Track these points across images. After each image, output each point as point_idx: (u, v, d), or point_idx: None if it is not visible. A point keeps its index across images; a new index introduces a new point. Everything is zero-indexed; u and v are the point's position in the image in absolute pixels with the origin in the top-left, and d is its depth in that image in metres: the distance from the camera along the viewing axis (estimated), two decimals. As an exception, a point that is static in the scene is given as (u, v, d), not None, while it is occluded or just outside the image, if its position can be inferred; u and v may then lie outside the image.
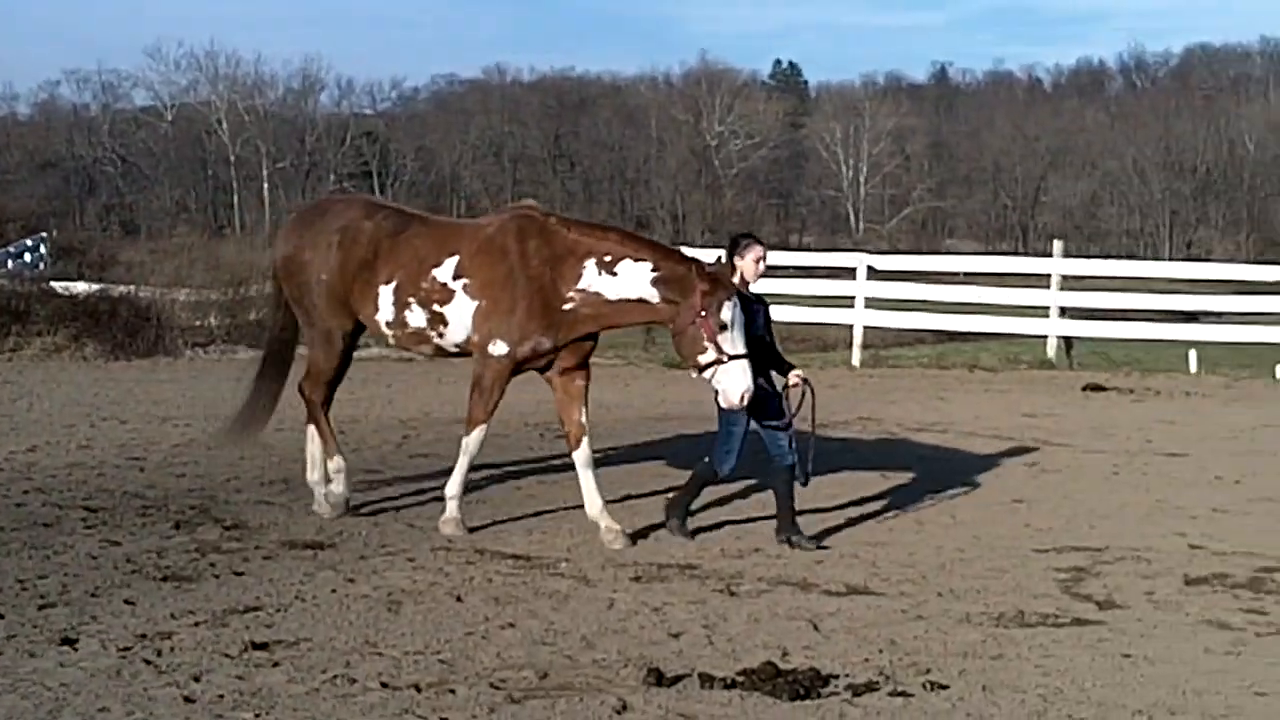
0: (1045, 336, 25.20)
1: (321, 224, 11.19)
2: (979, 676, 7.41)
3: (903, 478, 13.40)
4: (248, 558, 9.72)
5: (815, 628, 8.32)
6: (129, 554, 9.71)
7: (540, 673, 7.34)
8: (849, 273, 26.19)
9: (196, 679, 7.10)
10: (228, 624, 8.10)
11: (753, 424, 10.41)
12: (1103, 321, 26.29)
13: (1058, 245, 26.70)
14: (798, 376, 10.53)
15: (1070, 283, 26.12)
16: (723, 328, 9.95)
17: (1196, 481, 13.59)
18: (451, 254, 10.67)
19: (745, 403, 9.96)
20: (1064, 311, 25.23)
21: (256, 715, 6.65)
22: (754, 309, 10.39)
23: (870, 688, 7.17)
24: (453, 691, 7.02)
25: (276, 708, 6.75)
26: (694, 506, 11.01)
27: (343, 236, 10.94)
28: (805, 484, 10.59)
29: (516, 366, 10.54)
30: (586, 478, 10.71)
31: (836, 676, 7.33)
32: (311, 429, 11.48)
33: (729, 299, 9.99)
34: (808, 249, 73.52)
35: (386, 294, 10.82)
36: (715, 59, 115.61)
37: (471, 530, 10.68)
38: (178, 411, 16.85)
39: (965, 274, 33.43)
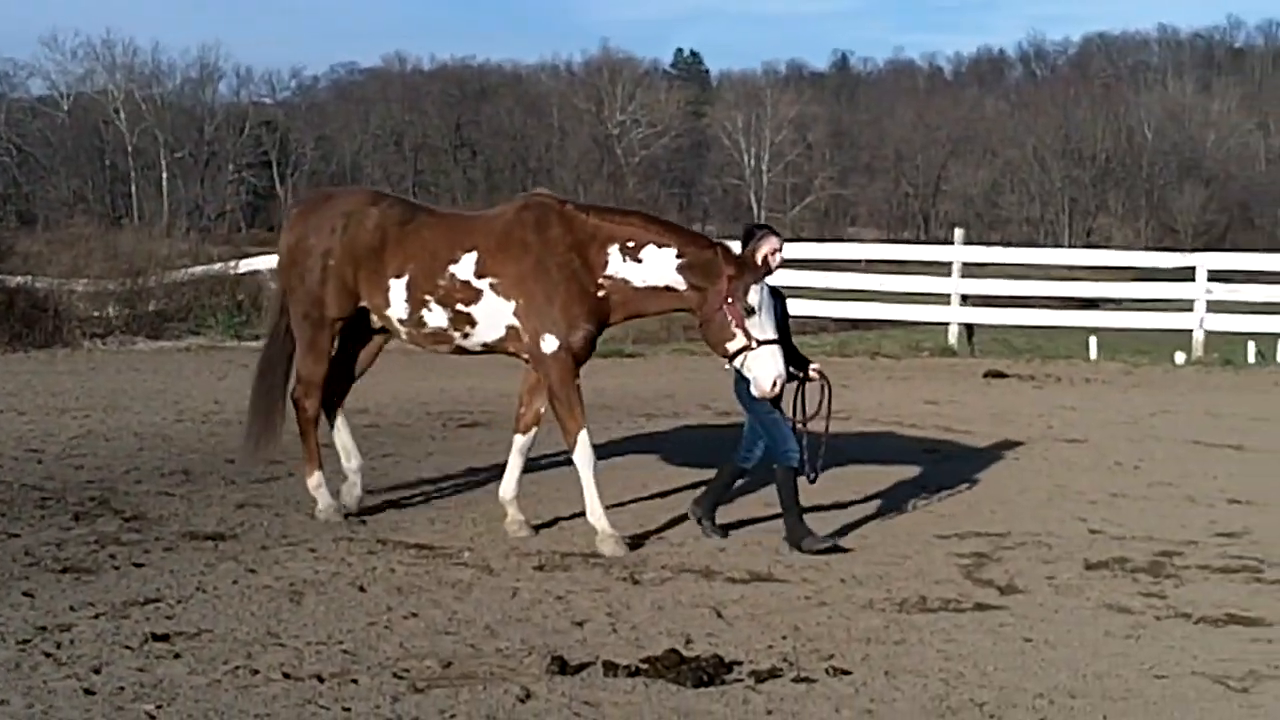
0: (947, 324, 25.44)
1: (326, 209, 10.82)
2: (881, 662, 7.48)
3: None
4: (148, 549, 9.61)
5: (719, 615, 8.34)
6: (27, 546, 9.58)
7: (444, 662, 7.32)
8: (752, 261, 26.23)
9: (97, 671, 7.03)
10: (128, 616, 8.01)
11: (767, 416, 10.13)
12: (1003, 309, 26.56)
13: (958, 233, 26.95)
14: (816, 370, 10.31)
15: (971, 270, 26.38)
16: (750, 312, 9.68)
17: (1096, 467, 13.77)
18: (469, 249, 10.21)
19: (778, 390, 9.72)
20: (965, 299, 25.49)
21: (158, 707, 6.58)
22: (773, 303, 10.02)
23: (773, 674, 7.21)
24: (355, 681, 6.98)
25: (178, 699, 6.69)
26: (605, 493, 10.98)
27: (348, 221, 10.55)
28: (813, 481, 10.29)
29: (577, 359, 10.09)
30: (515, 464, 10.58)
31: (740, 663, 7.36)
32: (337, 424, 11.14)
33: (756, 283, 9.73)
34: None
35: (399, 288, 10.38)
36: (617, 47, 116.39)
37: (362, 514, 10.64)
38: (76, 403, 16.61)
39: (867, 262, 33.72)
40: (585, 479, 10.08)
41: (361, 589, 8.76)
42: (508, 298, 10.11)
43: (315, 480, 10.90)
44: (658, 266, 9.94)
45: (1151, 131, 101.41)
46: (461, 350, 10.60)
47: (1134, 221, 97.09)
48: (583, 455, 10.06)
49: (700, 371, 21.74)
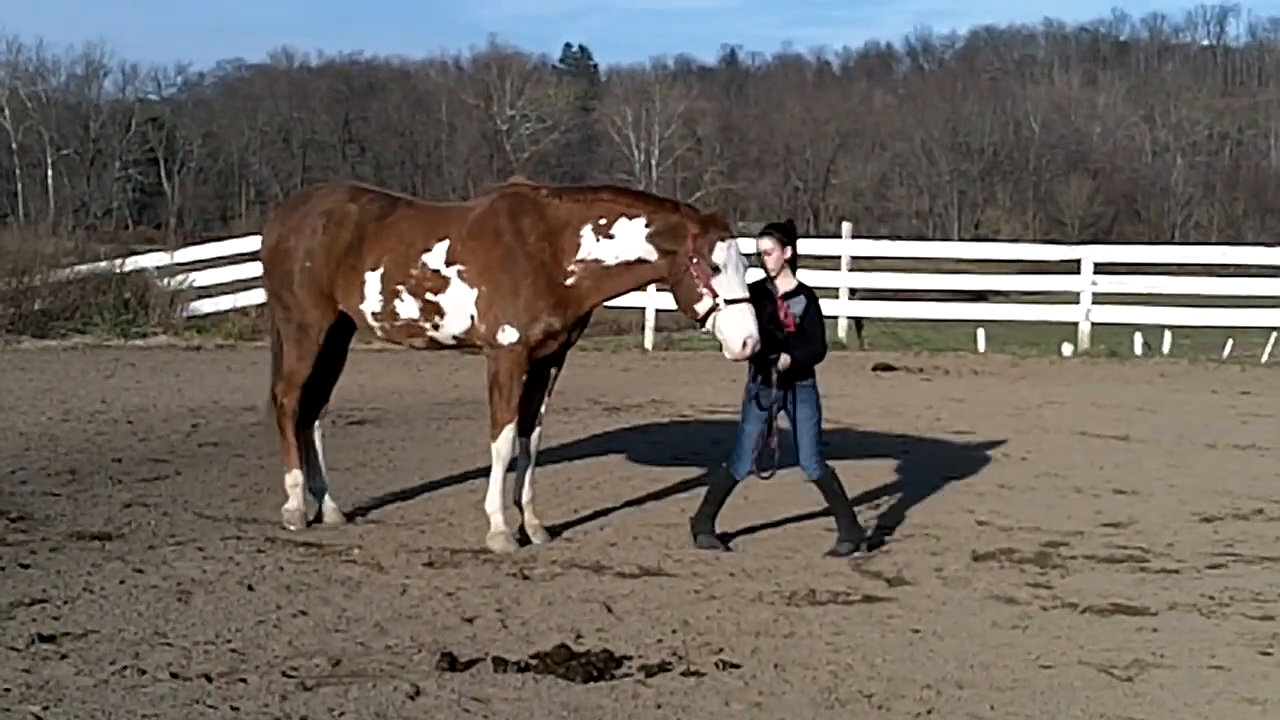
0: (835, 317, 25.58)
1: (305, 209, 10.61)
2: (771, 655, 7.55)
3: (695, 460, 13.52)
4: (34, 550, 9.47)
5: (609, 610, 8.39)
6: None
7: (333, 660, 7.30)
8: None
9: (-19, 674, 6.94)
10: (14, 617, 7.92)
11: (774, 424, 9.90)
12: (892, 302, 26.79)
13: (846, 227, 27.17)
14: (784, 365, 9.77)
15: (860, 264, 26.58)
16: (715, 270, 9.42)
17: (983, 458, 13.96)
18: (441, 238, 10.05)
19: (749, 351, 9.39)
20: (854, 293, 25.70)
21: (44, 708, 6.52)
22: (762, 303, 9.67)
23: (663, 668, 7.26)
24: (244, 680, 6.95)
25: (64, 700, 6.62)
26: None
27: (328, 220, 10.35)
28: (769, 477, 10.10)
29: (531, 354, 9.94)
30: (525, 467, 10.32)
31: (630, 658, 7.41)
32: (313, 435, 10.91)
33: (722, 239, 9.44)
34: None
35: (373, 281, 10.19)
36: (505, 43, 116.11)
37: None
38: (-43, 403, 16.32)
39: (756, 255, 33.91)
40: (495, 472, 10.02)
41: (250, 588, 8.71)
42: (472, 285, 9.94)
43: (292, 478, 10.65)
44: (629, 239, 9.73)
45: (1038, 125, 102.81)
46: (435, 345, 10.40)
47: (1021, 214, 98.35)
48: (501, 449, 9.98)
49: (590, 367, 21.77)
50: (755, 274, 9.82)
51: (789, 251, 9.86)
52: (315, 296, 10.41)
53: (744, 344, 9.41)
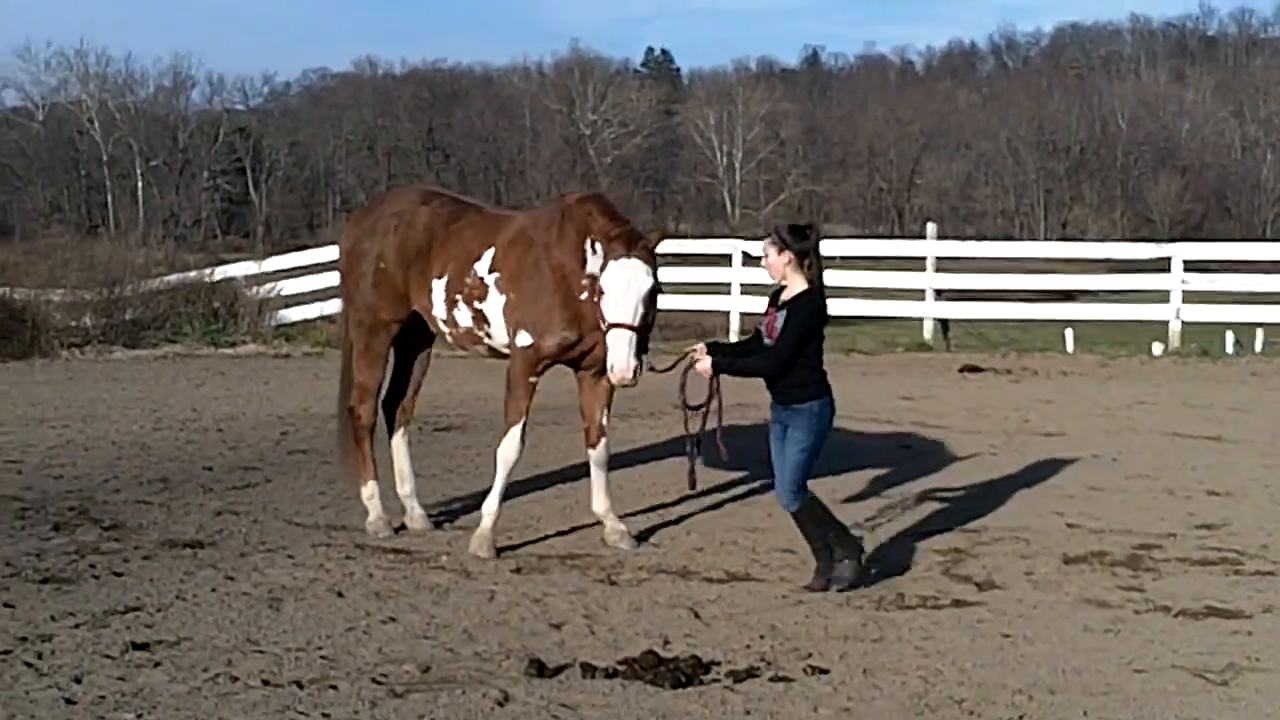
0: (921, 319, 25.49)
1: (379, 211, 10.84)
2: (860, 660, 7.51)
3: (782, 463, 13.48)
4: (127, 558, 9.62)
5: (696, 615, 8.38)
6: (8, 557, 9.59)
7: (422, 666, 7.34)
8: (725, 259, 26.30)
9: (78, 680, 7.06)
10: (108, 625, 8.03)
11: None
12: (979, 303, 26.58)
13: (932, 228, 27.01)
14: (700, 352, 9.22)
15: (946, 264, 26.45)
16: (603, 292, 9.25)
17: (1073, 460, 13.78)
18: (489, 246, 10.11)
19: (625, 382, 9.17)
20: (940, 293, 25.55)
21: (138, 715, 6.60)
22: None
23: (751, 674, 7.24)
24: (334, 687, 7.00)
25: (158, 707, 6.71)
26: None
27: (399, 221, 10.53)
28: (692, 487, 9.96)
29: (547, 362, 9.95)
30: (599, 478, 10.35)
31: (718, 663, 7.39)
32: (395, 441, 11.01)
33: (616, 258, 9.19)
34: (684, 236, 73.72)
35: (439, 289, 10.31)
36: (587, 48, 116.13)
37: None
38: (54, 413, 16.56)
39: (841, 258, 33.71)
40: (500, 474, 10.04)
41: (340, 595, 8.78)
42: (502, 292, 10.00)
43: (368, 490, 10.76)
44: (593, 256, 9.59)
45: (1126, 122, 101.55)
46: (496, 353, 10.41)
47: (1109, 213, 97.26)
48: (508, 450, 10.02)
49: (674, 372, 21.73)
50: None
51: (787, 256, 9.00)
52: (388, 297, 10.55)
53: (620, 376, 9.16)
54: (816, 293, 9.04)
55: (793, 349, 8.90)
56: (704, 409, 9.44)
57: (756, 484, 12.42)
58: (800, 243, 9.01)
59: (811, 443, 8.99)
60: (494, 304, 10.07)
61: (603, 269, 9.24)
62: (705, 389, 9.39)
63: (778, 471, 9.10)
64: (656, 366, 9.46)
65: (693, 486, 9.91)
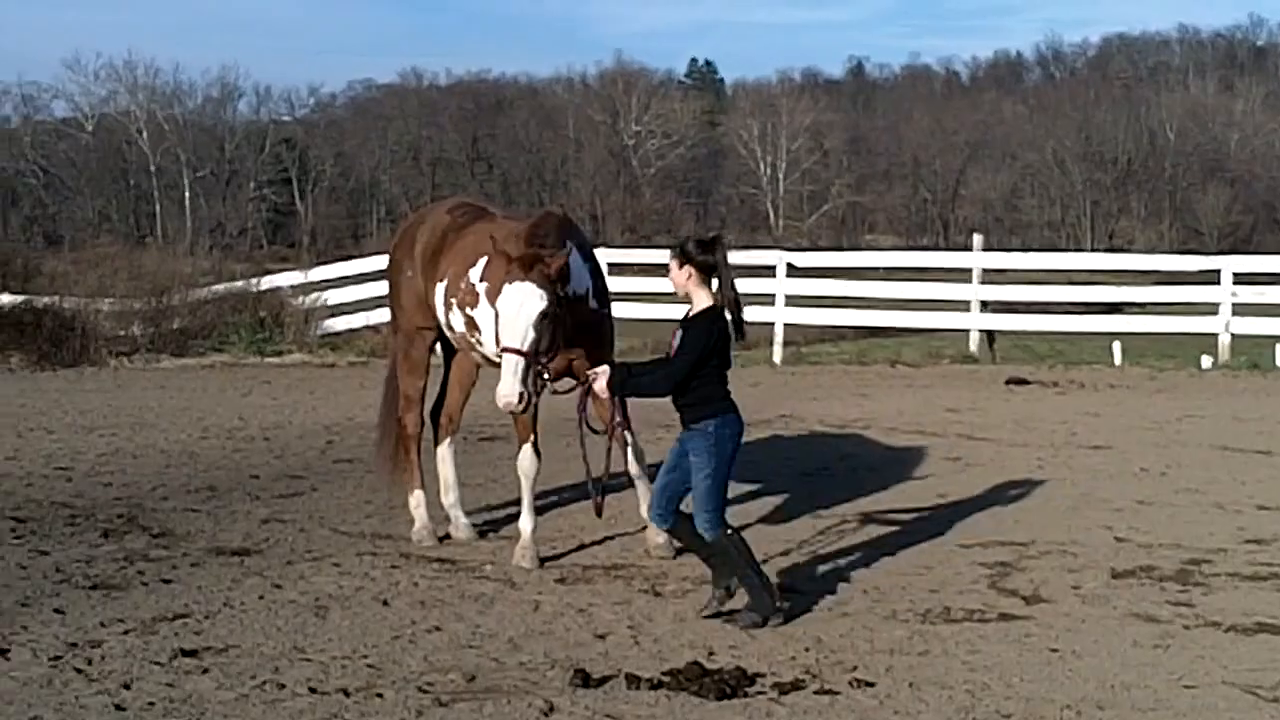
0: (967, 331, 25.40)
1: (415, 221, 11.08)
2: (906, 673, 7.47)
3: (825, 475, 13.48)
4: (175, 565, 9.69)
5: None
6: (58, 563, 9.68)
7: (467, 675, 7.35)
8: (769, 270, 26.27)
9: (127, 686, 7.11)
10: (157, 631, 8.09)
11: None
12: (1025, 314, 26.49)
13: (977, 239, 26.90)
14: (595, 372, 8.78)
15: (991, 276, 26.33)
16: (498, 314, 9.12)
17: (1121, 474, 13.69)
18: (484, 254, 9.97)
19: (509, 408, 8.95)
20: (985, 305, 25.43)
21: (186, 723, 6.65)
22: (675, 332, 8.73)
23: (796, 686, 7.22)
24: (380, 695, 7.02)
25: (206, 714, 6.76)
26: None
27: (422, 228, 10.74)
28: (599, 515, 9.58)
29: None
30: (641, 486, 10.35)
31: (763, 675, 7.38)
32: (441, 450, 11.05)
33: (511, 281, 8.97)
34: (727, 247, 73.60)
35: (440, 293, 10.42)
36: (630, 59, 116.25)
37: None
38: (103, 421, 16.71)
39: (886, 269, 33.65)
40: (524, 488, 10.03)
41: (385, 603, 8.81)
42: (492, 303, 9.68)
43: (415, 499, 10.79)
44: None
45: (1174, 132, 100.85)
46: (489, 361, 10.31)
47: (1157, 224, 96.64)
48: (524, 464, 9.99)
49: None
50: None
51: (689, 271, 8.55)
52: (416, 306, 10.71)
53: (497, 396, 8.94)
54: (720, 310, 8.55)
55: (688, 368, 8.46)
56: (609, 431, 9.41)
57: (801, 496, 12.40)
58: (703, 256, 8.58)
59: (714, 468, 8.52)
60: (484, 312, 9.96)
61: (496, 293, 9.16)
62: (609, 411, 9.36)
63: (657, 489, 8.83)
64: (559, 389, 9.34)
65: (599, 514, 9.57)
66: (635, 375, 8.80)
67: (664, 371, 8.65)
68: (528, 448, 9.97)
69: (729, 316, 8.57)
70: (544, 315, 8.91)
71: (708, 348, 8.46)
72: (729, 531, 8.58)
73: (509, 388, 8.85)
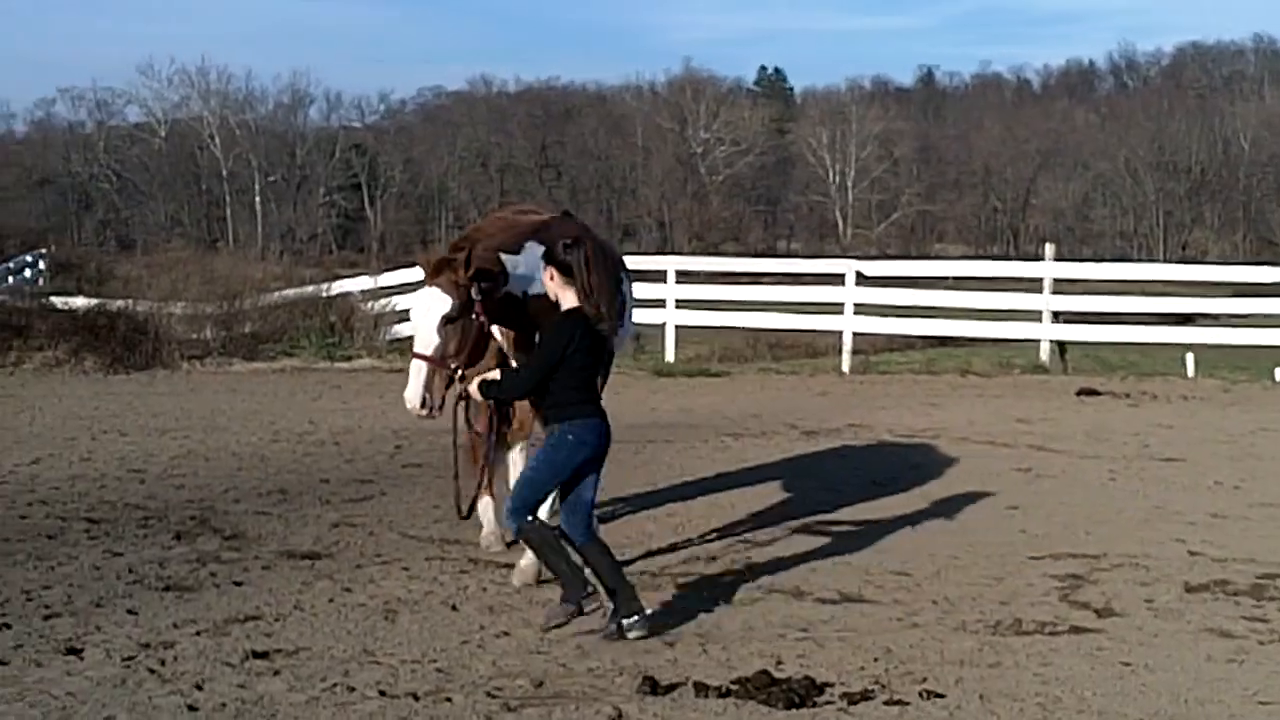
0: (1038, 341, 25.21)
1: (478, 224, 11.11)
2: (976, 685, 7.42)
3: (895, 485, 13.42)
4: (247, 567, 9.77)
5: (809, 636, 8.32)
6: (131, 564, 9.78)
7: (535, 681, 7.36)
8: (837, 279, 26.19)
9: (199, 687, 7.17)
10: (228, 633, 8.16)
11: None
12: (1097, 325, 26.24)
13: (1049, 248, 26.69)
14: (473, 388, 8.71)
15: (1063, 286, 26.13)
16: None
17: (1195, 486, 13.55)
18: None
19: (414, 414, 8.71)
20: (1057, 315, 25.23)
21: (257, 725, 6.70)
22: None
23: (865, 696, 7.18)
24: (449, 700, 7.04)
25: (277, 716, 6.81)
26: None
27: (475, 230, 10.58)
28: (461, 515, 9.42)
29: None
30: None
31: (831, 685, 7.34)
32: (511, 455, 10.75)
33: (425, 285, 8.80)
34: (795, 255, 73.53)
35: None
36: (699, 66, 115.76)
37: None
38: (176, 424, 16.86)
39: (955, 278, 33.48)
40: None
41: (454, 608, 8.84)
42: None
43: (484, 503, 10.64)
44: None
45: (1248, 142, 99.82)
46: None
47: (1231, 235, 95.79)
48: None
49: (786, 391, 21.75)
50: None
51: (550, 272, 8.45)
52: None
53: (410, 404, 8.73)
54: (583, 313, 8.36)
55: (540, 372, 8.36)
56: (486, 435, 9.31)
57: (870, 505, 12.36)
58: (562, 258, 8.40)
59: (540, 464, 8.42)
60: None
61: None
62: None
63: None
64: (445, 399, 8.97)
65: (460, 514, 9.41)
66: (500, 378, 8.67)
67: (519, 373, 8.69)
68: (516, 452, 10.10)
69: (604, 320, 8.41)
70: (447, 320, 8.67)
71: (560, 351, 8.29)
72: (531, 520, 8.37)
73: (410, 392, 8.66)
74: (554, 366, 8.29)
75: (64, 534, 10.75)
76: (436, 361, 8.68)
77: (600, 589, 8.30)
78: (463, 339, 8.72)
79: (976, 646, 8.15)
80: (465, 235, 9.67)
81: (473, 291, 8.65)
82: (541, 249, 8.75)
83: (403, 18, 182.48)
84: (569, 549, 8.41)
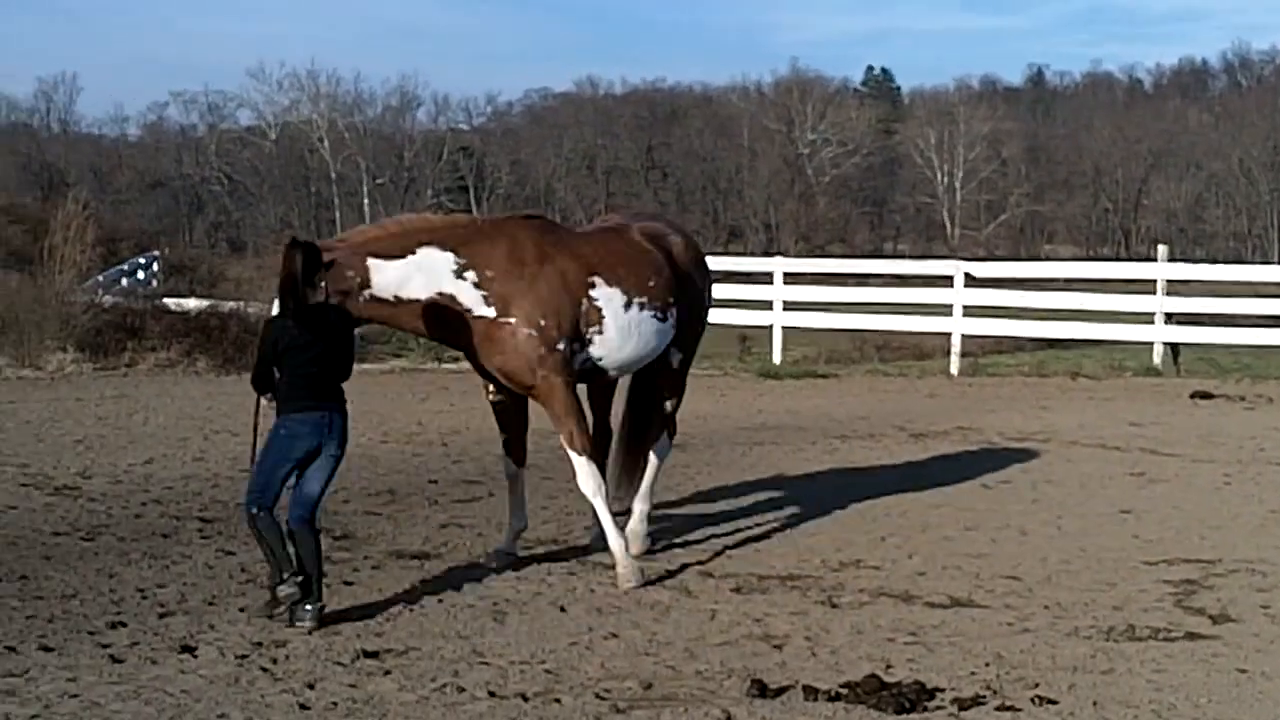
0: (1150, 343, 24.90)
1: None
2: (1089, 691, 7.33)
3: (1005, 488, 13.30)
4: (357, 567, 9.86)
5: (919, 640, 8.27)
6: (243, 563, 9.91)
7: (644, 683, 7.36)
8: (946, 280, 26.01)
9: (311, 686, 7.25)
10: (339, 632, 8.24)
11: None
12: (1210, 327, 25.89)
13: (1162, 249, 26.34)
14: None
15: (1175, 287, 25.79)
16: None
17: (1311, 491, 13.33)
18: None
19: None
20: (1169, 317, 24.88)
21: (368, 723, 6.75)
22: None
23: (977, 702, 7.11)
24: (558, 701, 7.07)
25: (388, 715, 6.86)
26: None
27: None
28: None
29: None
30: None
31: (942, 690, 7.28)
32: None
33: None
34: (902, 257, 73.07)
35: None
36: (806, 67, 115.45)
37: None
38: (284, 424, 17.03)
39: (1065, 280, 33.15)
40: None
41: (562, 609, 8.87)
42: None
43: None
44: None
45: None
46: None
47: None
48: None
49: (894, 393, 21.62)
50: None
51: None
52: None
53: None
54: (281, 316, 8.69)
55: (254, 368, 8.92)
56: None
57: (980, 508, 12.26)
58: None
59: (264, 455, 8.73)
60: None
61: None
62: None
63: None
64: None
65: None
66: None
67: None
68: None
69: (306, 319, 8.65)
70: (268, 323, 8.96)
71: (265, 351, 8.74)
72: (256, 511, 8.58)
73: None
74: (264, 364, 8.77)
75: (178, 533, 10.92)
76: None
77: (292, 577, 8.43)
78: None
79: (1089, 652, 8.05)
80: (343, 237, 10.05)
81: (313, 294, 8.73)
82: (449, 257, 9.50)
83: (510, 20, 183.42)
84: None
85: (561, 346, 9.66)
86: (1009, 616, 8.83)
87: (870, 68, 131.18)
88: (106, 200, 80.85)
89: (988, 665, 7.77)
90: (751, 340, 27.00)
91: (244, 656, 7.72)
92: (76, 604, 8.79)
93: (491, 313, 9.63)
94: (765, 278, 26.86)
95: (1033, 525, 11.63)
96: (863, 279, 29.97)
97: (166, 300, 27.87)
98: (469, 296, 9.63)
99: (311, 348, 8.66)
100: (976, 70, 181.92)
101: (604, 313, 9.87)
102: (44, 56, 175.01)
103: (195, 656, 7.74)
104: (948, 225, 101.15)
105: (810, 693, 7.20)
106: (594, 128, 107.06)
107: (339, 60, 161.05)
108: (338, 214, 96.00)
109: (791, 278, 27.41)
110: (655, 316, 10.12)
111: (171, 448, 15.07)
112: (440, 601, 8.99)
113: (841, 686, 7.27)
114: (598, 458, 10.12)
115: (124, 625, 8.32)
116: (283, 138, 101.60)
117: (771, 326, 26.18)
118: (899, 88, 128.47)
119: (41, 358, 22.45)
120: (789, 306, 26.51)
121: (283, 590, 8.43)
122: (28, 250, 28.66)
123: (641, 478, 10.78)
